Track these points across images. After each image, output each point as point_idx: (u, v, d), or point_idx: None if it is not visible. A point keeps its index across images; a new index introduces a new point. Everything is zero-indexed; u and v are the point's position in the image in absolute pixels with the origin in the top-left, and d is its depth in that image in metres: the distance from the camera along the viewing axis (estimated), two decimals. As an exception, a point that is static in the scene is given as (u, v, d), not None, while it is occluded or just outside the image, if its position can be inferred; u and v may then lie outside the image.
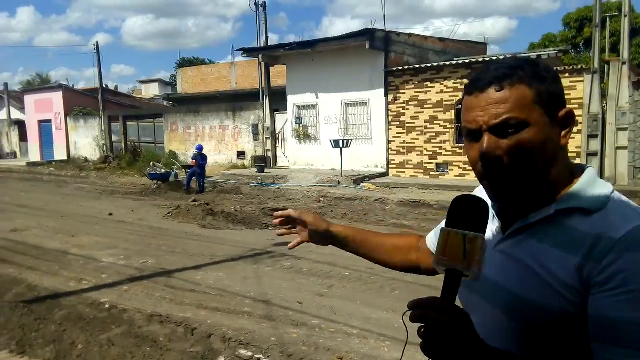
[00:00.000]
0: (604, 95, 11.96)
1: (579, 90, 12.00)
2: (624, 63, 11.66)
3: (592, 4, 13.02)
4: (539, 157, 0.88)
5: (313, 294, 5.25)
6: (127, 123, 24.60)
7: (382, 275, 5.54)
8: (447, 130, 14.12)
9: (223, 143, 20.20)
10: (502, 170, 0.89)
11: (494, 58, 14.09)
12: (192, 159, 14.59)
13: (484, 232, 0.84)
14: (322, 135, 16.62)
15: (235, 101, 21.86)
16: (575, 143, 12.11)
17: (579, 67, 12.60)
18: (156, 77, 43.69)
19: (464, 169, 13.81)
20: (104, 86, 27.86)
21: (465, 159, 12.47)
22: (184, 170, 16.82)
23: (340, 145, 14.41)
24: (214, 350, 3.96)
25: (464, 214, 0.85)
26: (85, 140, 26.33)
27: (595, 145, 11.87)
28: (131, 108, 28.24)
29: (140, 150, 22.66)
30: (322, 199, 12.15)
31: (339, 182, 13.95)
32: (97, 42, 25.79)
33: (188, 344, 4.09)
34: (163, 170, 16.12)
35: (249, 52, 18.04)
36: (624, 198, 0.91)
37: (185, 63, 41.13)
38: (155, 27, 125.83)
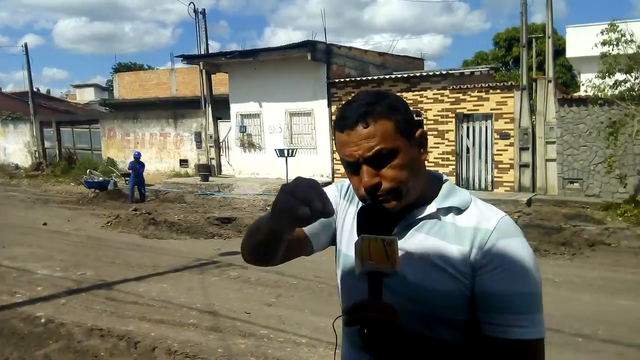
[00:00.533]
0: (533, 110, 12.73)
1: (509, 106, 12.70)
2: (549, 81, 12.48)
3: (519, 25, 13.87)
4: (409, 176, 1.05)
5: (261, 304, 5.23)
6: (61, 128, 23.39)
7: (330, 283, 5.60)
8: (389, 141, 14.49)
9: (164, 150, 19.66)
10: (383, 192, 1.04)
11: (430, 73, 14.67)
12: (129, 168, 14.04)
13: (391, 233, 1.00)
14: (267, 144, 16.57)
15: (176, 108, 21.36)
16: (509, 155, 12.79)
17: (509, 83, 13.36)
18: (91, 82, 41.97)
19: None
20: (35, 90, 26.41)
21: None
22: (123, 178, 16.22)
23: (285, 155, 14.42)
24: (159, 364, 3.86)
25: (373, 221, 0.99)
26: (16, 146, 24.79)
27: (526, 157, 12.59)
28: (65, 113, 26.95)
29: (75, 157, 21.62)
30: (268, 208, 12.11)
31: (283, 191, 13.91)
32: (26, 44, 24.44)
33: (130, 358, 3.97)
34: (100, 178, 15.46)
35: (189, 59, 17.72)
36: (478, 198, 1.14)
37: (122, 68, 39.76)
38: (89, 30, 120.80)
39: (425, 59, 23.21)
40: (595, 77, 9.70)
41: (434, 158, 13.78)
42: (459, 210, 1.09)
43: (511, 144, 12.73)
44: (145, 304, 5.24)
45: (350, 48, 16.76)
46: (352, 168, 1.06)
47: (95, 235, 8.98)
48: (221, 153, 18.10)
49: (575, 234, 8.49)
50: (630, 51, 9.17)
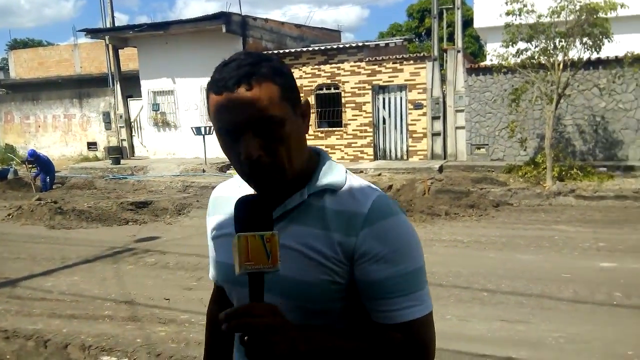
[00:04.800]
0: (444, 80, 13.26)
1: (422, 76, 13.14)
2: (458, 51, 13.02)
3: (431, -3, 14.29)
4: (294, 149, 0.94)
5: (181, 289, 5.11)
6: (-53, 114, 21.17)
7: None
8: (308, 114, 14.52)
9: (70, 134, 18.43)
10: (266, 166, 0.92)
11: (347, 45, 14.79)
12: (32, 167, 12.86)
13: (272, 227, 0.87)
14: (182, 122, 16.02)
15: (81, 87, 20.05)
16: (422, 124, 13.29)
17: (422, 54, 13.77)
18: (-18, 60, 38.09)
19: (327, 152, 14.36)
20: None
21: (328, 142, 12.80)
22: (24, 165, 15.02)
23: (203, 133, 14.03)
24: (72, 361, 3.67)
25: (250, 215, 0.87)
26: None
27: (438, 125, 13.15)
28: (-49, 96, 24.28)
29: (-33, 146, 19.72)
30: (187, 189, 11.76)
31: (203, 171, 13.62)
32: None
33: (41, 358, 3.75)
34: (-2, 167, 14.23)
35: (93, 33, 16.62)
36: (354, 175, 1.04)
37: (19, 45, 36.39)
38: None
39: (342, 31, 23.43)
40: (500, 46, 10.19)
41: (352, 130, 14.03)
42: (332, 192, 0.98)
43: (424, 114, 13.23)
44: (54, 299, 4.95)
45: (266, 20, 16.47)
46: (231, 137, 0.92)
47: (-6, 229, 8.29)
48: (133, 133, 17.28)
49: (482, 197, 9.06)
50: (531, 21, 9.71)
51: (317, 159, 1.03)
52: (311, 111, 1.00)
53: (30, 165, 12.77)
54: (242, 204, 0.89)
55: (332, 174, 1.00)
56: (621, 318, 4.08)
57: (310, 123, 1.01)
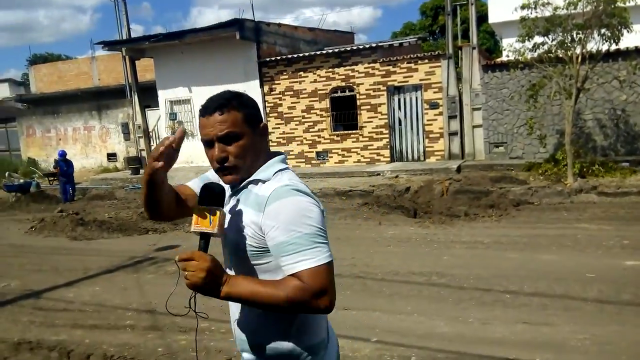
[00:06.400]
0: (459, 78, 13.10)
1: (437, 75, 13.00)
2: (473, 48, 12.87)
3: (443, -5, 14.16)
4: (248, 156, 1.43)
5: (201, 296, 5.11)
6: (-27, 129, 21.72)
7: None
8: (324, 118, 14.51)
9: (90, 145, 18.74)
10: (227, 164, 1.42)
11: (361, 47, 14.74)
12: (54, 167, 13.27)
13: (223, 206, 1.40)
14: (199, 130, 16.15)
15: (99, 99, 20.38)
16: (438, 124, 13.15)
17: (436, 53, 13.64)
18: (5, 77, 39.01)
19: (343, 156, 14.33)
20: (-61, 89, 24.21)
21: (344, 145, 12.77)
22: (46, 179, 15.30)
23: (219, 140, 14.12)
24: (94, 372, 3.71)
25: (210, 195, 1.38)
26: None
27: (455, 125, 12.99)
28: (-24, 112, 24.90)
29: (-9, 160, 20.19)
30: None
31: (220, 177, 13.70)
32: None
33: (64, 370, 3.78)
34: (21, 181, 14.49)
35: (110, 45, 16.85)
36: (289, 174, 1.46)
37: (39, 60, 37.22)
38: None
39: (355, 33, 23.28)
40: (516, 41, 10.00)
41: (368, 132, 13.96)
42: (262, 182, 1.43)
43: (440, 113, 13.09)
44: (76, 309, 5.01)
45: (279, 25, 16.48)
46: (208, 145, 1.43)
47: (18, 242, 8.44)
48: (151, 143, 17.47)
49: (502, 196, 8.91)
50: (547, 13, 9.51)
51: (268, 161, 1.48)
52: (269, 130, 1.49)
53: (57, 169, 13.03)
54: (205, 187, 1.40)
55: (267, 170, 1.45)
56: (649, 318, 3.96)
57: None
